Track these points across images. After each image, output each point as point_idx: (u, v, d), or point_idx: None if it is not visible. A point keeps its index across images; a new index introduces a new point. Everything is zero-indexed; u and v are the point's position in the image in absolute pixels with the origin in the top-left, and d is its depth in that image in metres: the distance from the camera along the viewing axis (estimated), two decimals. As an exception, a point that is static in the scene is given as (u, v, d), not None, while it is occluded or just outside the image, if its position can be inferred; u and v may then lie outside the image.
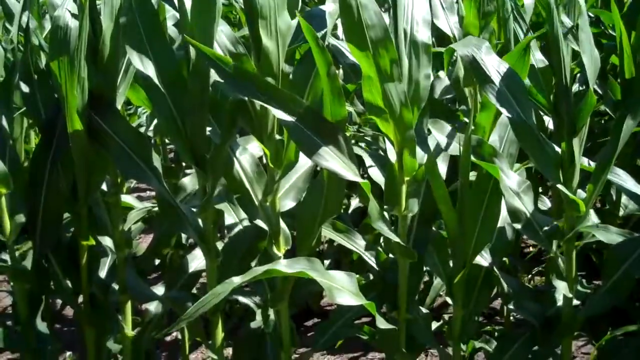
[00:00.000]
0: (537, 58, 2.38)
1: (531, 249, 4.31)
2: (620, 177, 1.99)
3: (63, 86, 1.83)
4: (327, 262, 3.35)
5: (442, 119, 2.27)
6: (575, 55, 2.32)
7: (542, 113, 2.41)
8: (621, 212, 2.76)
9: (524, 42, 2.01)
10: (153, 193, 4.36)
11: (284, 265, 1.64)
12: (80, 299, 2.18)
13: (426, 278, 2.74)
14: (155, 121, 3.51)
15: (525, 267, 3.41)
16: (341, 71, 2.85)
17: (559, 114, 1.87)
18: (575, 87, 2.61)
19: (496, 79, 1.80)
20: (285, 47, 1.74)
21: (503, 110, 1.77)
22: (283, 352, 2.02)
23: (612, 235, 1.86)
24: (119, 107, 1.99)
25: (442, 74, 2.93)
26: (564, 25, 2.29)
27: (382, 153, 2.41)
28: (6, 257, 2.10)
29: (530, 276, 3.72)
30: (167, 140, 3.55)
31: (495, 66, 1.81)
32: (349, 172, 1.70)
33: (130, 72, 2.02)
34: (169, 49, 1.85)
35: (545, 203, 2.88)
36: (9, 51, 2.32)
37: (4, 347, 2.09)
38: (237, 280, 1.55)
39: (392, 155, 1.81)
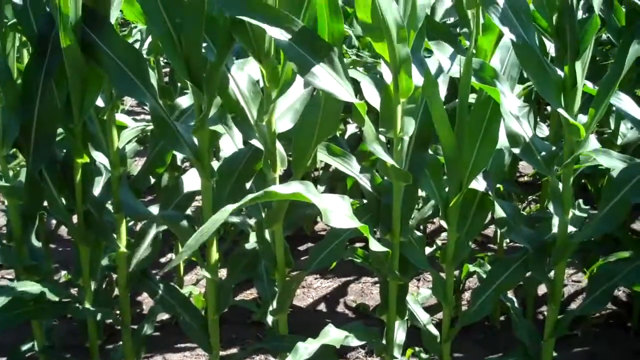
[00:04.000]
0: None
1: (525, 178, 4.33)
2: (623, 102, 1.96)
3: (57, -2, 1.78)
4: (321, 188, 3.35)
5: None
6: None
7: (544, 38, 2.36)
8: (619, 141, 2.75)
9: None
10: (147, 117, 4.32)
11: (278, 188, 1.62)
12: (75, 218, 2.18)
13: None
14: (149, 40, 3.45)
15: (520, 194, 3.42)
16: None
17: (562, 36, 1.82)
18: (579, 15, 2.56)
19: (500, -1, 1.75)
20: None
21: (506, 31, 1.73)
22: (277, 272, 2.02)
23: (613, 160, 1.85)
24: (112, 21, 1.95)
25: (444, -5, 2.88)
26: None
27: (379, 77, 2.37)
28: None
29: (524, 204, 3.74)
30: (162, 62, 3.51)
31: (499, -14, 1.76)
32: (344, 93, 1.67)
33: (125, -14, 1.98)
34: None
35: (543, 130, 2.86)
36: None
37: (-1, 263, 2.10)
38: (231, 207, 1.50)
39: (388, 77, 1.78)
